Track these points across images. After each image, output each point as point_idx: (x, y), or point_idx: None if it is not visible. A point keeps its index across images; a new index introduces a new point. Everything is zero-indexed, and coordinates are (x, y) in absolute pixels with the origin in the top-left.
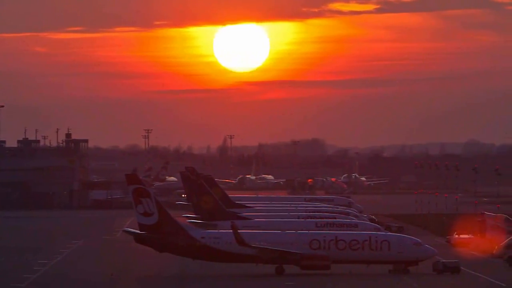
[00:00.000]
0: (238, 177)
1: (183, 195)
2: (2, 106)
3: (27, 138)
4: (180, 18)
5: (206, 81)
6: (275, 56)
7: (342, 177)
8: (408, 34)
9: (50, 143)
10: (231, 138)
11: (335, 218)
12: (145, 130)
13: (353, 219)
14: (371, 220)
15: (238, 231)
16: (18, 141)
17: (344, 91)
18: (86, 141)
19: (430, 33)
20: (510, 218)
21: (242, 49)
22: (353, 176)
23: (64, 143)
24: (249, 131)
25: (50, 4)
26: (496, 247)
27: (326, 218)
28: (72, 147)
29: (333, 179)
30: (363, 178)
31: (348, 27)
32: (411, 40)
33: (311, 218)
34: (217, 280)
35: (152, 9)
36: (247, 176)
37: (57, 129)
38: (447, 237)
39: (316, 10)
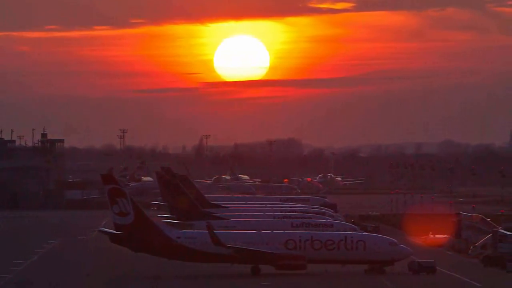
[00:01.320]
0: (214, 177)
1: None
2: None
3: (3, 138)
4: (156, 16)
5: (182, 80)
6: (251, 56)
7: (318, 177)
8: (386, 33)
9: (25, 143)
10: (206, 138)
11: (311, 218)
12: (120, 130)
13: (329, 219)
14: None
15: (214, 231)
16: None
17: (320, 91)
18: (61, 141)
19: (408, 33)
20: (486, 218)
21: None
22: (328, 176)
23: (39, 143)
24: (225, 130)
25: (25, 3)
26: (472, 247)
27: (302, 218)
28: (48, 147)
29: (308, 179)
30: (339, 178)
31: (326, 26)
32: (388, 39)
33: (286, 218)
34: (192, 280)
35: (128, 7)
36: (223, 176)
37: (33, 129)
38: (423, 237)
39: (294, 7)
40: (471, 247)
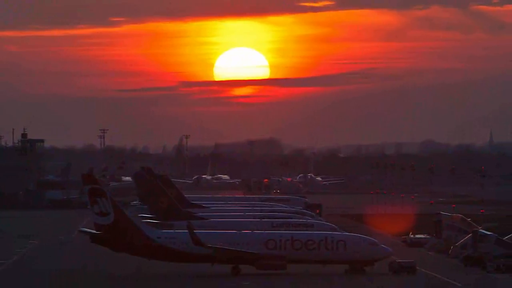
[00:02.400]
0: (194, 177)
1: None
2: None
3: None
4: (136, 14)
5: (162, 80)
6: (231, 55)
7: (298, 177)
8: (368, 32)
9: (6, 143)
10: (187, 137)
11: (291, 218)
12: (100, 130)
13: (309, 219)
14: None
15: (194, 231)
16: None
17: (300, 91)
18: (42, 141)
19: (390, 31)
20: (466, 218)
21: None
22: (308, 176)
23: (20, 143)
24: (206, 130)
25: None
26: (452, 247)
27: (282, 218)
28: (28, 147)
29: (289, 179)
30: (319, 178)
31: (307, 25)
32: (370, 38)
33: (267, 218)
34: (173, 280)
35: (108, 5)
36: (203, 176)
37: (13, 129)
38: (403, 237)
39: (276, 5)
40: (452, 247)
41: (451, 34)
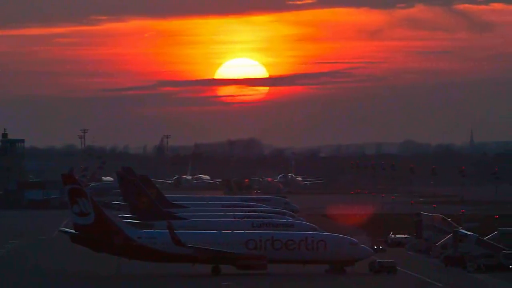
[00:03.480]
0: (174, 177)
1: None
2: None
3: None
4: (116, 12)
5: (142, 80)
6: (212, 54)
7: (279, 177)
8: (349, 31)
9: None
10: (167, 138)
11: (271, 218)
12: (81, 130)
13: (290, 219)
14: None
15: (174, 231)
16: None
17: (280, 90)
18: (22, 141)
19: (371, 31)
20: (447, 218)
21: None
22: (289, 176)
23: (0, 143)
24: (185, 130)
25: None
26: (433, 247)
27: (262, 218)
28: (8, 147)
29: (269, 179)
30: (299, 178)
31: (289, 24)
32: (352, 38)
33: (247, 218)
34: (153, 280)
35: (88, 2)
36: (183, 176)
37: None
38: (384, 237)
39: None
40: (432, 247)
41: (435, 33)
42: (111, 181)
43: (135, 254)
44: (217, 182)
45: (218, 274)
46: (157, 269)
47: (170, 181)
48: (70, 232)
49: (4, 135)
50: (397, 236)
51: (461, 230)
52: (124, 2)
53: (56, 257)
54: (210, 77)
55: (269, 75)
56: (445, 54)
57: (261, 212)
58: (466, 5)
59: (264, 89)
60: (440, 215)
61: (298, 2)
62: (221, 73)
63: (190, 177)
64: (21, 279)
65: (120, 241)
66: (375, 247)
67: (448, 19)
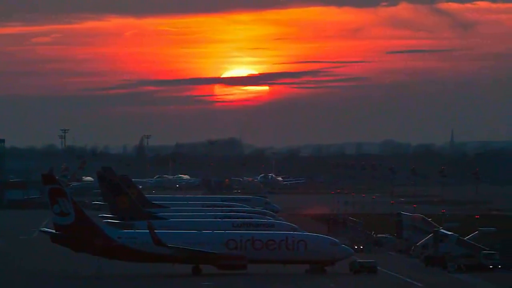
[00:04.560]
0: (155, 177)
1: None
2: None
3: None
4: (98, 10)
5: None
6: (193, 54)
7: (259, 177)
8: (328, 31)
9: None
10: (147, 137)
11: (252, 218)
12: (61, 130)
13: (270, 219)
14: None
15: (155, 231)
16: None
17: (262, 90)
18: (2, 141)
19: (352, 30)
20: (427, 218)
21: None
22: (269, 176)
23: None
24: (166, 130)
25: None
26: (413, 247)
27: (243, 218)
28: None
29: (249, 179)
30: (280, 178)
31: (269, 22)
32: (330, 37)
33: (227, 218)
34: (133, 280)
35: (69, 1)
36: (164, 176)
37: None
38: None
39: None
40: (412, 247)
41: (417, 32)
42: (91, 181)
43: (115, 254)
44: (197, 182)
45: (198, 274)
46: (138, 269)
47: (150, 181)
48: (51, 232)
49: None
50: (378, 236)
51: (442, 230)
52: (105, 1)
53: (36, 257)
54: (191, 76)
55: (251, 74)
56: (427, 53)
57: (242, 212)
58: (451, 4)
59: (245, 89)
60: (421, 215)
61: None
62: (202, 72)
63: (170, 177)
64: (0, 279)
65: (100, 241)
66: (356, 247)
67: (432, 18)
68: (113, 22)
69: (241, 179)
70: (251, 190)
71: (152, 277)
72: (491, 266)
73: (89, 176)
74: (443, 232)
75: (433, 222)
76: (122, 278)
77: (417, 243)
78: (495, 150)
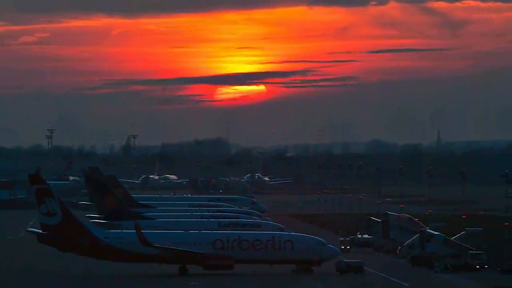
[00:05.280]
0: (141, 177)
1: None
2: None
3: None
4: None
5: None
6: (181, 53)
7: (246, 177)
8: (316, 30)
9: None
10: (134, 137)
11: (238, 218)
12: (48, 130)
13: (257, 219)
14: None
15: (142, 231)
16: None
17: (249, 89)
18: None
19: (339, 29)
20: (414, 218)
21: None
22: (256, 176)
23: None
24: (153, 130)
25: None
26: (400, 247)
27: (229, 218)
28: None
29: (236, 179)
30: (266, 178)
31: (256, 22)
32: (318, 37)
33: (214, 218)
34: (120, 280)
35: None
36: (150, 176)
37: None
38: (351, 237)
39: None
40: (399, 247)
41: (405, 32)
42: (78, 181)
43: (102, 254)
44: (184, 182)
45: (185, 274)
46: (125, 269)
47: (137, 181)
48: (37, 232)
49: None
50: (364, 236)
51: (428, 230)
52: (92, 0)
53: (23, 257)
54: (178, 76)
55: (238, 73)
56: (415, 52)
57: (228, 212)
58: (440, 3)
59: (233, 88)
60: (407, 215)
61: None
62: (189, 72)
63: (157, 177)
64: None
65: (87, 241)
66: (342, 247)
67: (420, 17)
68: (101, 22)
69: (227, 179)
70: (238, 190)
71: (139, 277)
72: (477, 266)
73: (76, 176)
74: (430, 232)
75: (419, 222)
76: (109, 278)
77: (404, 243)
78: (482, 150)
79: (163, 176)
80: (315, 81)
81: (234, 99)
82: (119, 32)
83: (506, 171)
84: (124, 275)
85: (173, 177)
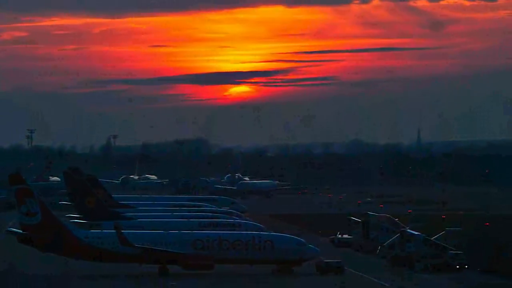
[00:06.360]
0: (121, 177)
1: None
2: None
3: None
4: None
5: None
6: (162, 53)
7: (226, 177)
8: (293, 29)
9: None
10: (114, 137)
11: (219, 218)
12: (28, 129)
13: (237, 219)
14: None
15: (122, 231)
16: None
17: (229, 88)
18: None
19: (317, 29)
20: (393, 218)
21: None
22: (236, 176)
23: None
24: (133, 130)
25: None
26: (380, 247)
27: (210, 218)
28: None
29: (217, 179)
30: (246, 178)
31: (239, 21)
32: (298, 36)
33: (194, 218)
34: (100, 280)
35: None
36: (131, 176)
37: None
38: (331, 237)
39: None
40: (379, 247)
41: (387, 30)
42: (58, 181)
43: (82, 254)
44: (164, 182)
45: (165, 275)
46: (105, 270)
47: (117, 181)
48: (17, 232)
49: None
50: (344, 236)
51: (408, 230)
52: None
53: (3, 257)
54: (159, 75)
55: (220, 71)
56: (397, 51)
57: (209, 212)
58: (423, 2)
59: (212, 88)
60: (387, 215)
61: None
62: (170, 71)
63: (137, 177)
64: None
65: (68, 241)
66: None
67: (403, 16)
68: (82, 21)
69: (207, 179)
70: (218, 190)
71: (119, 278)
72: (457, 266)
73: (55, 176)
74: (410, 232)
75: (400, 222)
76: (89, 279)
77: (384, 243)
78: (462, 150)
79: (143, 176)
80: (297, 80)
81: (215, 98)
82: (101, 31)
83: (486, 171)
84: (104, 275)
85: (153, 177)
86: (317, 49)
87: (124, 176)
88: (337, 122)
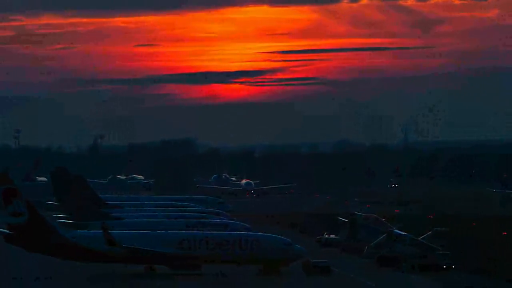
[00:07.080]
0: (109, 177)
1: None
2: None
3: None
4: (56, 6)
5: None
6: (147, 52)
7: (212, 177)
8: (280, 29)
9: None
10: (101, 137)
11: (206, 218)
12: (15, 130)
13: (224, 219)
14: None
15: (109, 231)
16: None
17: (217, 88)
18: None
19: (305, 29)
20: (380, 218)
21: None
22: (223, 176)
23: None
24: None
25: None
26: (366, 247)
27: (197, 218)
28: None
29: (203, 179)
30: (233, 178)
31: (226, 21)
32: (286, 36)
33: (181, 218)
34: (87, 280)
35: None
36: (117, 176)
37: None
38: (317, 237)
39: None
40: (366, 247)
41: (375, 30)
42: (45, 181)
43: (69, 255)
44: (151, 182)
45: (152, 275)
46: (92, 270)
47: (104, 182)
48: (4, 232)
49: None
50: (331, 236)
51: (395, 230)
52: None
53: None
54: (146, 74)
55: (208, 72)
56: (385, 51)
57: (196, 212)
58: (413, 1)
59: (200, 87)
60: (374, 215)
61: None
62: (157, 70)
63: (124, 177)
64: None
65: (55, 241)
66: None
67: (392, 15)
68: (69, 20)
69: (195, 179)
70: (205, 190)
71: (106, 278)
72: (444, 266)
73: (43, 176)
74: (397, 232)
75: (387, 222)
76: (76, 279)
77: (371, 243)
78: (450, 149)
79: (130, 176)
80: (285, 80)
81: (202, 97)
82: (87, 30)
83: (472, 171)
84: (91, 275)
85: (140, 177)
86: (305, 49)
87: (111, 176)
88: (324, 122)
